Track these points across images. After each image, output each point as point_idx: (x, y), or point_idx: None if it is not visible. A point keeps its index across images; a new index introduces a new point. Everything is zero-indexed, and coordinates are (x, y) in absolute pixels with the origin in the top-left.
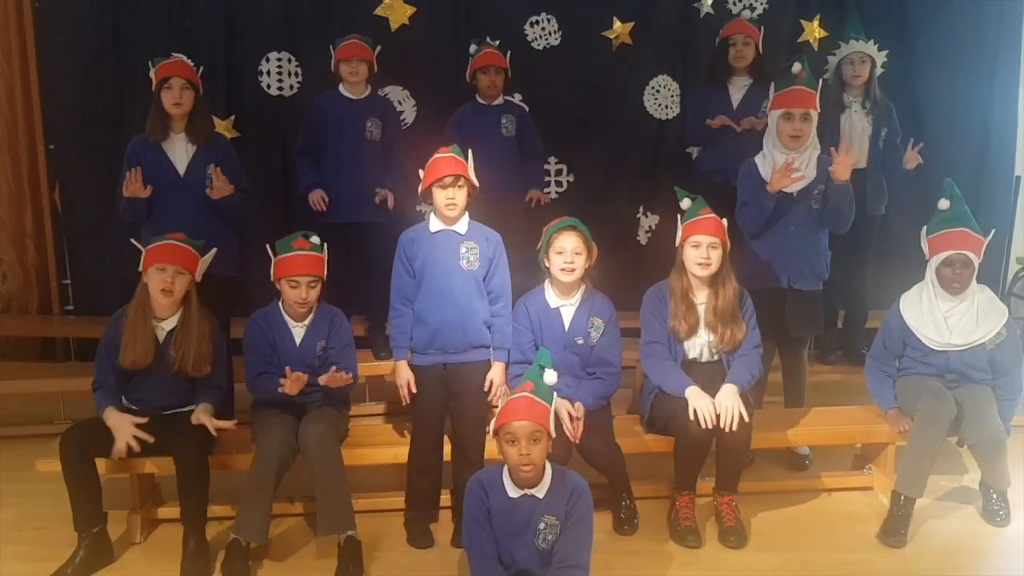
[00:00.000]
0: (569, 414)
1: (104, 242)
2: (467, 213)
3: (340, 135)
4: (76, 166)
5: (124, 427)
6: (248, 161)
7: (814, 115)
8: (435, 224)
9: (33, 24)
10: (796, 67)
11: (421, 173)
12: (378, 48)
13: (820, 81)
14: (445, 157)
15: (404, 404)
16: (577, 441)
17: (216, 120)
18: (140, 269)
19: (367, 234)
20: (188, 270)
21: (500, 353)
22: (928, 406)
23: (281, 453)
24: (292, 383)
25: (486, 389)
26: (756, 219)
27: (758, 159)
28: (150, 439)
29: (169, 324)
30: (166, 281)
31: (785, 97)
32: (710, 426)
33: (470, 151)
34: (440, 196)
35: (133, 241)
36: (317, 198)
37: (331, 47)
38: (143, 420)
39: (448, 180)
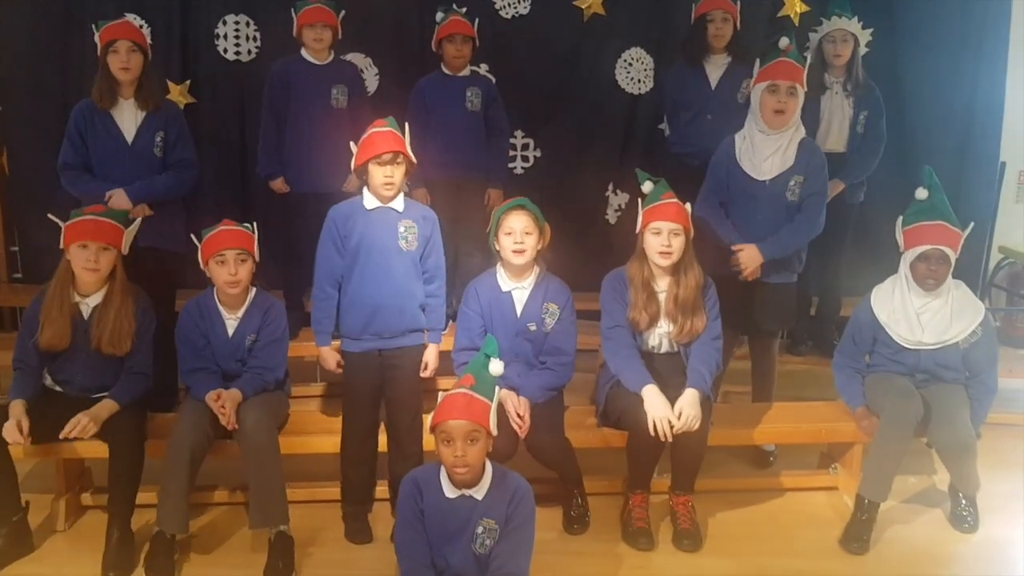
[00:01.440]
0: (515, 408)
1: (54, 208)
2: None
3: (304, 102)
4: (24, 130)
5: (10, 428)
6: (204, 128)
7: (800, 91)
8: (370, 200)
9: None
10: (783, 41)
11: (354, 147)
12: (342, 13)
13: (808, 59)
14: (382, 131)
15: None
16: (523, 437)
17: (171, 85)
18: (61, 246)
19: (328, 204)
20: (113, 245)
21: (434, 335)
22: (894, 406)
23: (193, 438)
24: None
25: (422, 372)
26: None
27: (738, 136)
28: (83, 434)
29: (94, 300)
30: (89, 260)
31: (771, 69)
32: (667, 439)
33: (407, 125)
34: (378, 174)
35: (51, 216)
36: (279, 185)
37: (292, 10)
38: (75, 423)
39: (387, 157)
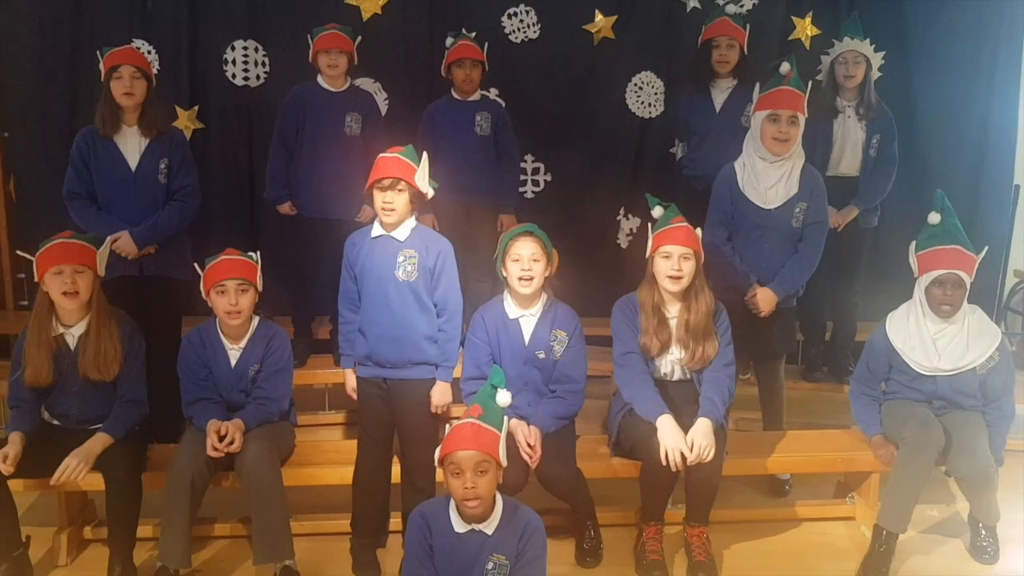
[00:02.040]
0: (526, 438)
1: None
2: (412, 219)
3: (317, 129)
4: (32, 156)
5: (75, 459)
6: (212, 153)
7: (802, 119)
8: (376, 229)
9: None
10: (784, 67)
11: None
12: (358, 39)
13: (809, 83)
14: (388, 157)
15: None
16: (534, 468)
17: (179, 111)
18: (36, 279)
19: (341, 232)
20: (88, 267)
21: (443, 371)
22: (914, 435)
23: (195, 468)
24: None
25: (419, 411)
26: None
27: (737, 164)
28: (75, 477)
29: (79, 329)
30: (66, 283)
31: (772, 97)
32: (680, 470)
33: (425, 154)
34: (378, 199)
35: (20, 252)
36: (285, 209)
37: (309, 36)
38: (64, 467)
39: (386, 182)
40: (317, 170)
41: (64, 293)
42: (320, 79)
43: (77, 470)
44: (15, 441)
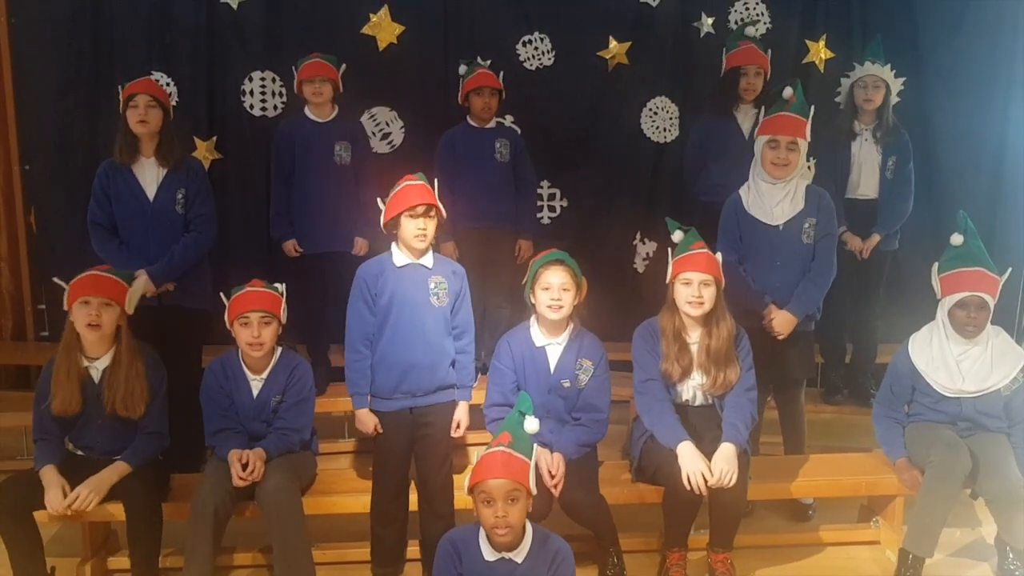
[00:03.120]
0: (548, 467)
1: (81, 266)
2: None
3: (307, 161)
4: (52, 188)
5: (53, 500)
6: (230, 183)
7: (802, 144)
8: (400, 257)
9: (9, 41)
10: (787, 92)
11: (381, 204)
12: (343, 67)
13: (811, 108)
14: (416, 185)
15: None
16: (557, 496)
17: (198, 141)
18: (65, 307)
19: (343, 264)
20: (115, 301)
21: (463, 392)
22: (941, 458)
23: (217, 499)
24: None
25: (453, 431)
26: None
27: (742, 190)
28: (84, 507)
29: (103, 363)
30: (91, 315)
31: (772, 123)
32: (703, 493)
33: (436, 180)
34: (411, 227)
35: (56, 280)
36: (289, 248)
37: (293, 68)
38: (74, 496)
39: (420, 209)
40: (311, 204)
41: (88, 325)
42: (307, 110)
43: (88, 499)
44: (53, 475)
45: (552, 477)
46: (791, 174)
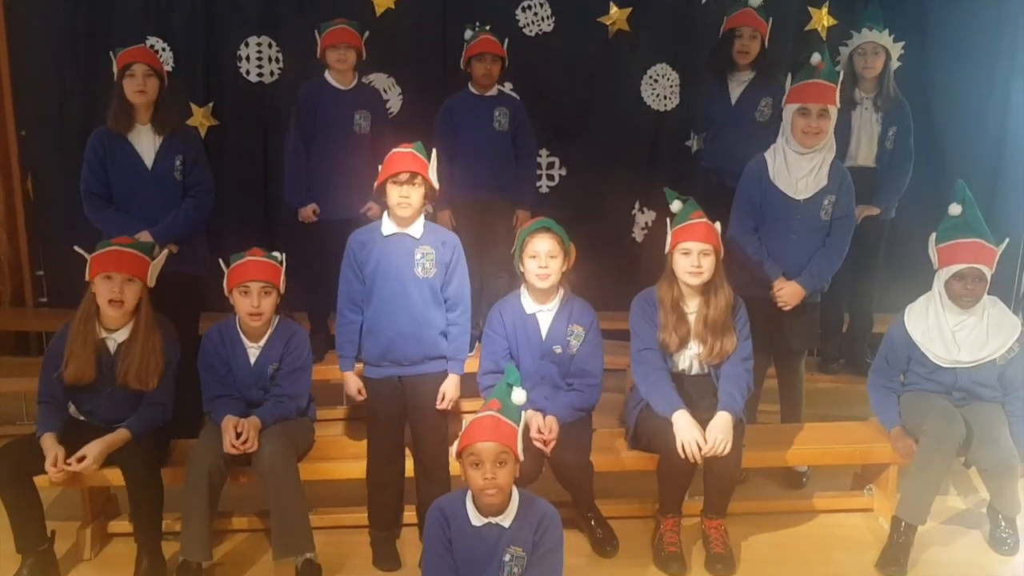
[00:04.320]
0: (539, 428)
1: (79, 233)
2: (422, 216)
3: (328, 128)
4: (49, 155)
5: (49, 465)
6: (227, 149)
7: (833, 111)
8: (388, 226)
9: (3, 7)
10: (815, 58)
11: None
12: (366, 33)
13: (840, 73)
14: (403, 152)
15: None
16: (548, 454)
17: (194, 107)
18: (87, 278)
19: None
20: (138, 277)
21: (455, 364)
22: (936, 427)
23: (212, 462)
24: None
25: (438, 403)
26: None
27: (768, 155)
28: (84, 470)
29: (121, 335)
30: (114, 291)
31: (802, 91)
32: (697, 461)
33: (434, 151)
34: (394, 193)
35: (77, 249)
36: (308, 213)
37: (316, 32)
38: (74, 464)
39: (403, 176)
40: (329, 170)
41: (110, 301)
42: (328, 75)
43: (87, 465)
44: (52, 443)
45: (544, 437)
46: (822, 142)
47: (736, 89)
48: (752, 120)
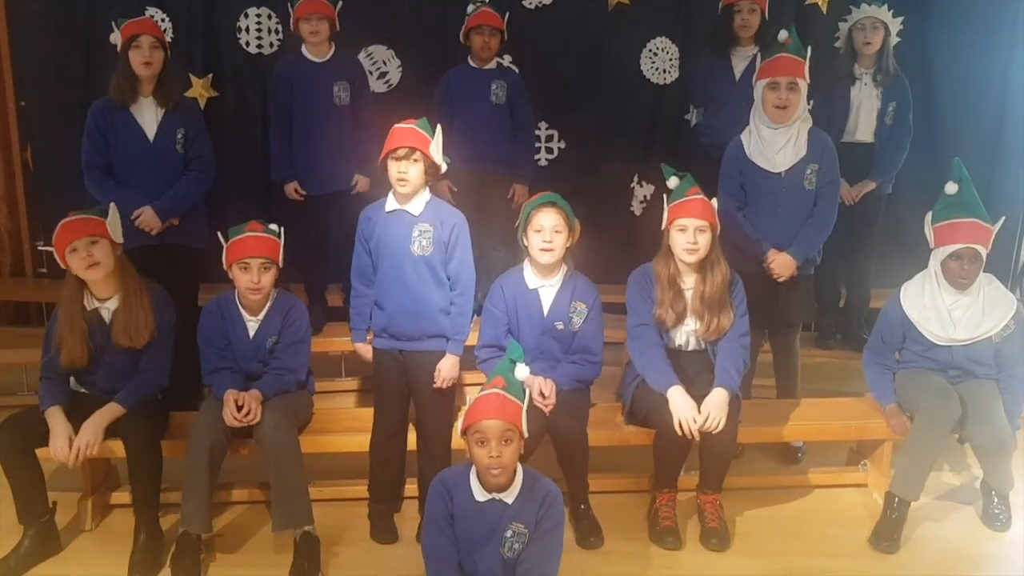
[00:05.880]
0: (540, 391)
1: (78, 203)
2: (427, 191)
3: (307, 102)
4: (48, 125)
5: (59, 448)
6: (227, 121)
7: (802, 84)
8: (391, 203)
9: None
10: (782, 35)
11: None
12: (339, 3)
13: (808, 48)
14: (404, 128)
15: None
16: (548, 414)
17: (193, 79)
18: (62, 265)
19: (343, 203)
20: (100, 235)
21: (454, 344)
22: (932, 405)
23: (212, 435)
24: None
25: (434, 382)
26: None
27: (743, 135)
28: (87, 455)
29: (113, 303)
30: (84, 256)
31: (770, 66)
32: (694, 437)
33: (439, 127)
34: (392, 169)
35: (41, 247)
36: (291, 191)
37: (288, 5)
38: (76, 448)
39: (401, 152)
40: (311, 145)
41: (86, 267)
42: (304, 49)
43: (88, 448)
44: (61, 418)
45: (544, 398)
46: (792, 116)
47: (740, 64)
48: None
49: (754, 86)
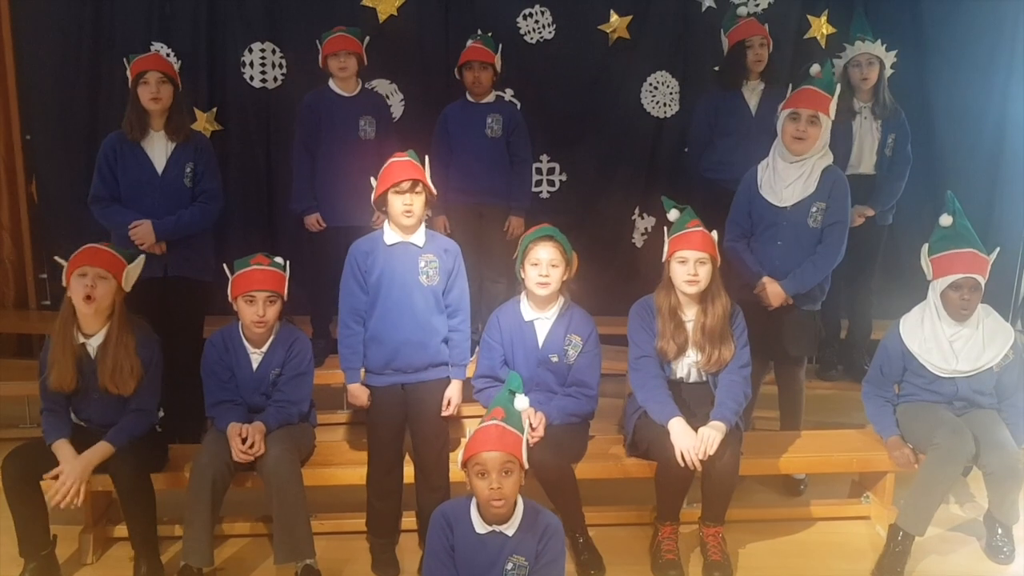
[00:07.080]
0: (530, 423)
1: (83, 236)
2: (423, 224)
3: (333, 135)
4: (53, 158)
5: (70, 479)
6: (231, 155)
7: (824, 120)
8: (391, 236)
9: (9, 11)
10: (814, 68)
11: (373, 181)
12: (367, 39)
13: (838, 86)
14: (401, 161)
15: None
16: (531, 444)
17: (198, 113)
18: (64, 284)
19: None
20: (111, 274)
21: (457, 370)
22: (946, 442)
23: (215, 468)
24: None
25: (443, 410)
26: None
27: (760, 165)
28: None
29: (98, 340)
30: (87, 286)
31: (796, 97)
32: (696, 468)
33: (427, 157)
34: (397, 202)
35: (57, 259)
36: (312, 222)
37: (317, 41)
38: (71, 481)
39: (405, 185)
40: (336, 178)
41: (84, 297)
42: (332, 83)
43: (74, 490)
44: (69, 451)
45: (532, 430)
46: (810, 149)
47: (753, 99)
48: (773, 128)
49: (777, 117)
